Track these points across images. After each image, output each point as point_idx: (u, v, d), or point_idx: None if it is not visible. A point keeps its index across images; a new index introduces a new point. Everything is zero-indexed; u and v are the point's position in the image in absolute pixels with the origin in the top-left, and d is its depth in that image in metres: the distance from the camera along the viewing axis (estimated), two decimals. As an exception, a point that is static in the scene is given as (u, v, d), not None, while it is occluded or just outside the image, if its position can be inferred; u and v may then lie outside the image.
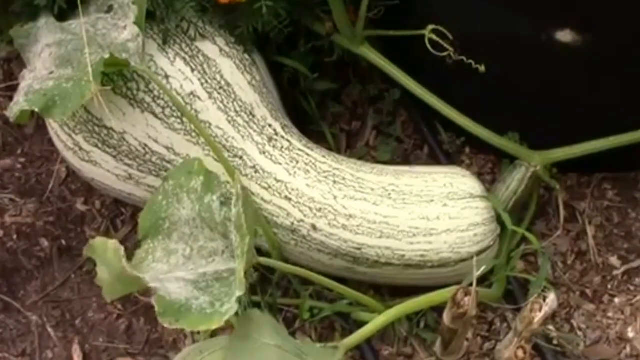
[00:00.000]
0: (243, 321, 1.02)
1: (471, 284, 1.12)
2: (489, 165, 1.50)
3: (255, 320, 1.05)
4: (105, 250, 1.04)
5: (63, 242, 1.48)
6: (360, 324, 1.32)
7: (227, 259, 1.09)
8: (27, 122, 1.21)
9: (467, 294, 1.10)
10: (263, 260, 1.12)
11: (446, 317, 1.13)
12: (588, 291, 1.41)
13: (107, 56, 1.17)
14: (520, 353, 1.14)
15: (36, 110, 1.16)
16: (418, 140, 1.53)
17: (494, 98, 1.40)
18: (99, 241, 1.06)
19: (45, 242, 1.48)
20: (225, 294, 1.03)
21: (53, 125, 1.33)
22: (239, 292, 1.00)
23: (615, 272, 1.43)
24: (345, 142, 1.53)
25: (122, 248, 1.03)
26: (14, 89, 1.54)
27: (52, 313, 1.44)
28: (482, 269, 1.19)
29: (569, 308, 1.40)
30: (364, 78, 1.54)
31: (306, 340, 1.14)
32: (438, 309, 1.35)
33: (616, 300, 1.41)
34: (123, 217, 1.50)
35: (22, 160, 1.55)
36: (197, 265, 1.09)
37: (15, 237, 1.49)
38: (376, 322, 1.20)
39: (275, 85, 1.40)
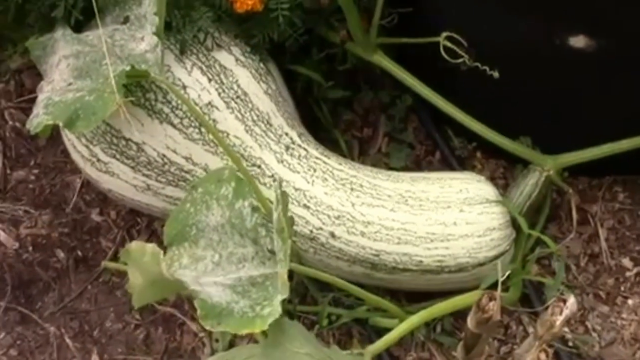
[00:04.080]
0: (274, 329, 1.02)
1: (493, 288, 1.12)
2: (501, 170, 1.52)
3: (286, 328, 1.05)
4: (143, 254, 1.04)
5: (79, 252, 1.49)
6: (378, 329, 1.33)
7: (257, 265, 1.09)
8: (47, 135, 1.20)
9: (491, 298, 1.11)
10: (291, 265, 1.12)
11: (470, 322, 1.14)
12: (602, 293, 1.43)
13: (127, 68, 1.17)
14: (542, 356, 1.15)
15: (60, 124, 1.15)
16: (430, 146, 1.54)
17: (506, 103, 1.41)
18: (135, 245, 1.05)
19: (61, 253, 1.48)
20: (263, 297, 1.03)
21: (69, 137, 1.33)
22: (282, 295, 1.01)
23: (628, 274, 1.44)
24: (358, 149, 1.54)
25: (161, 252, 1.03)
26: (26, 100, 1.55)
27: (69, 324, 1.44)
28: (507, 273, 1.20)
29: (583, 310, 1.41)
30: (375, 85, 1.55)
31: (333, 348, 1.14)
32: (455, 313, 1.36)
33: (629, 301, 1.42)
34: (139, 227, 1.50)
35: (35, 171, 1.55)
36: (227, 271, 1.09)
37: (30, 248, 1.48)
38: (400, 329, 1.21)
39: (290, 94, 1.41)
